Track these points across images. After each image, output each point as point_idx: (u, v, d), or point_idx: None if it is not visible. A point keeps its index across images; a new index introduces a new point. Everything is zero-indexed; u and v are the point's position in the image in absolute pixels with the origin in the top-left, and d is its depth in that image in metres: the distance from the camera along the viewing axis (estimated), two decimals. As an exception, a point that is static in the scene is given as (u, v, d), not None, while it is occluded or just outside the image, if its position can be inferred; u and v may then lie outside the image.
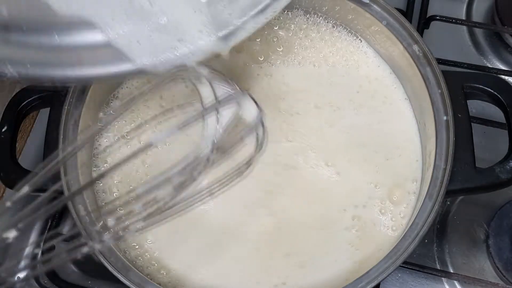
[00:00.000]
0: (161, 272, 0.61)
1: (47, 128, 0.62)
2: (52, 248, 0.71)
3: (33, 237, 0.73)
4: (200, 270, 0.61)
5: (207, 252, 0.62)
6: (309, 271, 0.60)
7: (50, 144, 0.61)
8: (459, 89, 0.61)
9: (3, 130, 0.62)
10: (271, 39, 0.71)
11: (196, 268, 0.61)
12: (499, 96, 0.61)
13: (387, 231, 0.61)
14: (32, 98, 0.64)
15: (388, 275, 0.54)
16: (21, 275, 0.70)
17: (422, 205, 0.57)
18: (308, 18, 0.71)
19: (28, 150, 0.79)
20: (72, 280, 0.71)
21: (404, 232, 0.56)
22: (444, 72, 0.61)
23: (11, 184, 0.61)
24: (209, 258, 0.62)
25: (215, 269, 0.61)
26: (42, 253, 0.70)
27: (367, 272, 0.54)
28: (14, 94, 0.64)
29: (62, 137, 0.60)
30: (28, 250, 0.72)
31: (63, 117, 0.61)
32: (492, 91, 0.61)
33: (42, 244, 0.71)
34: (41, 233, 0.74)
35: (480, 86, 0.61)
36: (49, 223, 0.72)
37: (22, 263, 0.70)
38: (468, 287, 0.67)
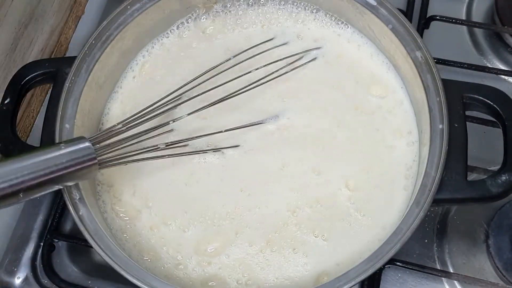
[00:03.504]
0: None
1: (48, 104, 0.64)
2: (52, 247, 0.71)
3: (33, 236, 0.73)
4: None
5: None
6: None
7: (50, 120, 0.62)
8: (459, 99, 0.61)
9: (6, 102, 0.63)
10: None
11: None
12: (498, 109, 0.60)
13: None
14: (36, 73, 0.65)
15: (366, 277, 0.54)
16: (21, 275, 0.71)
17: (408, 211, 0.57)
18: (315, 17, 0.71)
19: (37, 130, 0.79)
20: (72, 280, 0.70)
21: (388, 237, 0.56)
22: (444, 81, 0.61)
23: (8, 155, 0.62)
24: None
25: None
26: (42, 252, 0.71)
27: (346, 273, 0.54)
28: (18, 69, 0.65)
29: (60, 113, 0.61)
30: (28, 250, 0.72)
31: (63, 94, 0.62)
32: (491, 103, 0.61)
33: (42, 243, 0.72)
34: (41, 232, 0.73)
35: (480, 97, 0.61)
36: (49, 223, 0.72)
37: (22, 263, 0.72)
38: (468, 287, 0.67)
